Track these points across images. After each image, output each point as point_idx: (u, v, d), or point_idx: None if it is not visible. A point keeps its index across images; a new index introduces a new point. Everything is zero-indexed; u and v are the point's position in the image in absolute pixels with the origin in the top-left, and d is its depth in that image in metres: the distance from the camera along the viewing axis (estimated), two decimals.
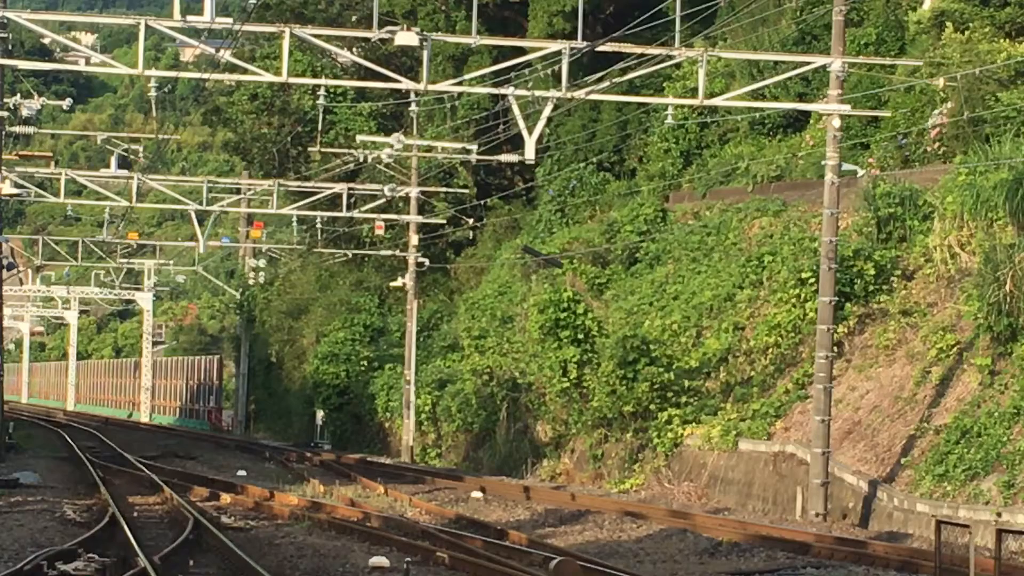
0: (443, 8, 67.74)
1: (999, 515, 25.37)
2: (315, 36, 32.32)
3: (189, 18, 28.89)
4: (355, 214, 55.06)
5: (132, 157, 64.94)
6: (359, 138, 53.93)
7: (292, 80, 34.68)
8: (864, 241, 37.35)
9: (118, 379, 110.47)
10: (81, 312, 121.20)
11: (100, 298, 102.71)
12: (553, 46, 32.20)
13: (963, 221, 34.01)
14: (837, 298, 31.89)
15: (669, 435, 38.00)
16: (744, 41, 50.28)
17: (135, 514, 29.29)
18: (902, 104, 40.63)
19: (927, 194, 36.80)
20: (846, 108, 31.70)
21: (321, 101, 49.64)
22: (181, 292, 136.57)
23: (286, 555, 23.42)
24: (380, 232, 56.66)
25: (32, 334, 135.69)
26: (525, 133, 32.81)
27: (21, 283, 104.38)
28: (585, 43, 31.44)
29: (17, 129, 45.35)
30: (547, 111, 32.60)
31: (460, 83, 41.09)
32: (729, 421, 36.47)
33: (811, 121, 46.00)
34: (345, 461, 47.85)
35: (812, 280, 35.76)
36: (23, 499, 31.38)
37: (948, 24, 39.92)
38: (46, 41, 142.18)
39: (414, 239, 53.86)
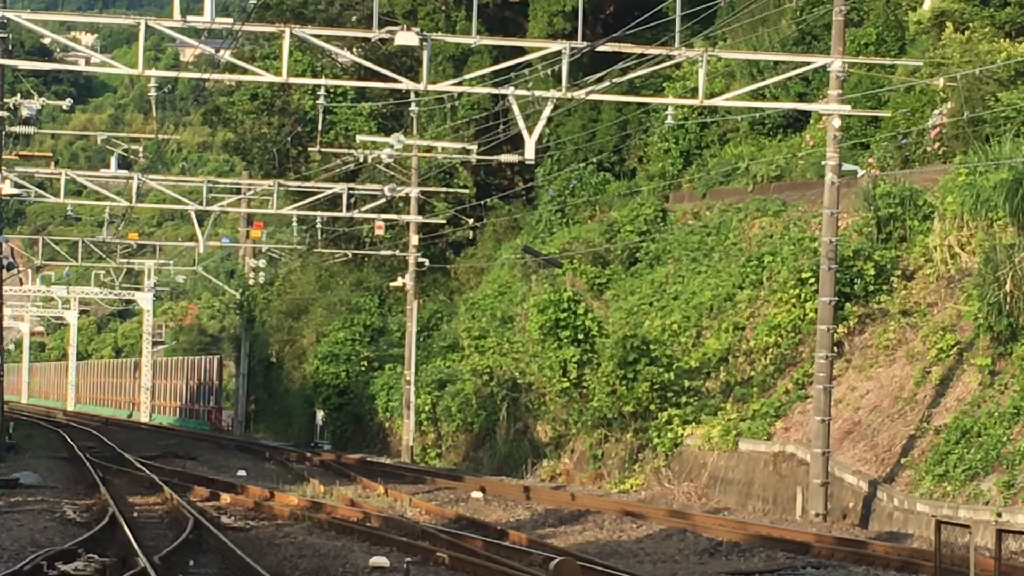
0: (443, 8, 67.74)
1: (999, 515, 25.38)
2: (315, 36, 32.32)
3: (189, 18, 28.89)
4: (355, 214, 55.05)
5: (132, 157, 64.99)
6: (359, 138, 53.93)
7: (292, 80, 34.68)
8: (864, 241, 37.35)
9: (118, 379, 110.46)
10: (81, 312, 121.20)
11: (100, 298, 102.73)
12: (553, 46, 32.20)
13: (963, 221, 34.01)
14: (837, 298, 31.89)
15: (669, 435, 38.00)
16: (744, 41, 50.28)
17: (135, 514, 29.29)
18: (902, 104, 40.63)
19: (927, 194, 36.80)
20: (846, 108, 31.69)
21: (321, 101, 49.59)
22: (181, 292, 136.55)
23: (286, 555, 23.42)
24: (380, 232, 56.65)
25: (32, 334, 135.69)
26: (525, 133, 32.81)
27: (21, 283, 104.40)
28: (585, 43, 31.44)
29: (17, 129, 45.35)
30: (547, 111, 32.59)
31: (460, 83, 41.09)
32: (729, 421, 36.47)
33: (811, 121, 46.00)
34: (345, 461, 47.85)
35: (812, 280, 35.76)
36: (23, 499, 31.39)
37: (948, 24, 39.92)
38: (46, 41, 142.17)
39: (414, 239, 53.85)
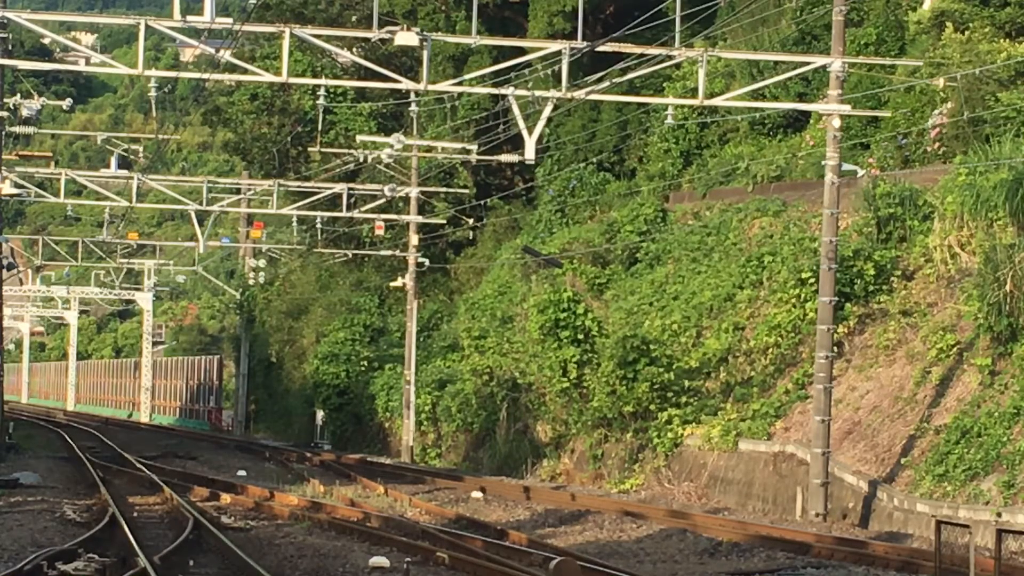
0: (443, 8, 67.73)
1: (999, 515, 25.39)
2: (315, 36, 32.32)
3: (189, 18, 28.89)
4: (355, 214, 55.05)
5: (132, 157, 64.97)
6: (359, 138, 53.92)
7: (292, 80, 34.67)
8: (864, 241, 37.35)
9: (118, 379, 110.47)
10: (81, 312, 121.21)
11: (100, 298, 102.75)
12: (553, 46, 32.20)
13: (963, 221, 34.01)
14: (837, 298, 31.88)
15: (669, 435, 38.00)
16: (744, 41, 50.28)
17: (135, 514, 29.29)
18: (902, 104, 40.63)
19: (927, 194, 36.80)
20: (846, 108, 31.69)
21: (321, 101, 49.62)
22: (181, 292, 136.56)
23: (286, 555, 23.42)
24: (380, 232, 56.65)
25: (32, 334, 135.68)
26: (525, 133, 32.80)
27: (21, 283, 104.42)
28: (585, 43, 31.44)
29: (17, 129, 45.35)
30: (547, 111, 32.59)
31: (460, 83, 41.09)
32: (729, 421, 36.47)
33: (811, 121, 46.00)
34: (345, 461, 47.85)
35: (812, 280, 35.76)
36: (23, 499, 31.38)
37: (948, 24, 39.92)
38: (46, 41, 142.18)
39: (414, 239, 53.85)
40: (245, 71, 34.90)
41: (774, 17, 50.72)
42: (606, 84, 34.68)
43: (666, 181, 51.46)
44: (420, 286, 56.70)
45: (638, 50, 33.70)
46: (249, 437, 70.55)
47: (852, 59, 34.53)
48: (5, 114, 43.30)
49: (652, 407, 38.56)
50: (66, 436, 58.48)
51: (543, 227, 56.04)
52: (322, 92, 50.37)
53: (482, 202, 61.98)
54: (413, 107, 51.23)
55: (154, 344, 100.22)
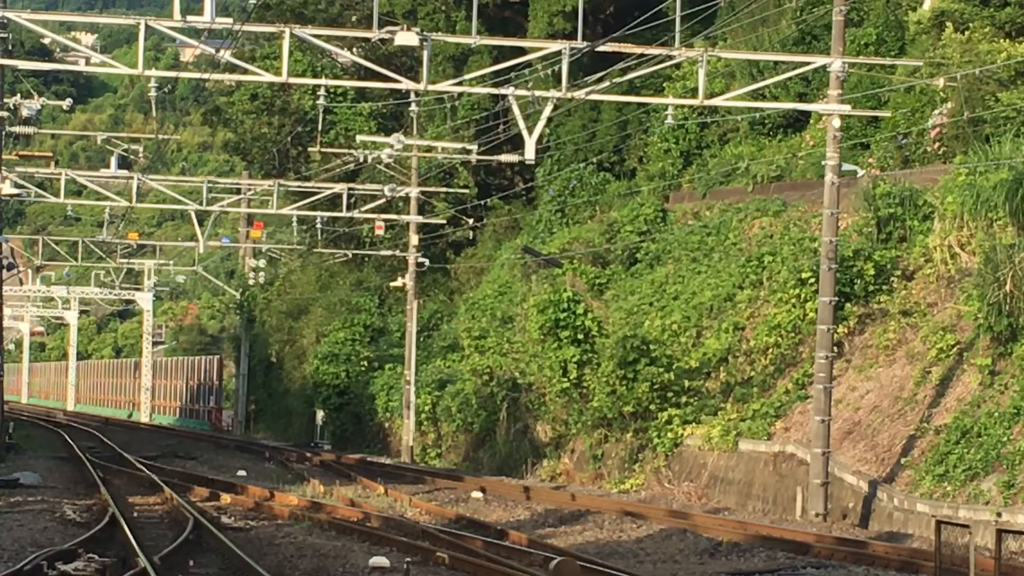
0: (443, 8, 67.74)
1: (999, 515, 25.39)
2: (315, 36, 32.32)
3: (189, 18, 28.90)
4: (355, 214, 55.05)
5: (132, 157, 64.95)
6: (359, 138, 53.90)
7: (292, 80, 34.68)
8: (864, 241, 37.35)
9: (118, 379, 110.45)
10: (81, 312, 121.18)
11: (100, 298, 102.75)
12: (553, 46, 32.21)
13: (963, 221, 34.02)
14: (837, 298, 31.88)
15: (669, 435, 38.00)
16: (744, 41, 50.28)
17: (135, 514, 29.28)
18: (902, 104, 40.63)
19: (927, 194, 36.81)
20: (846, 108, 31.69)
21: (321, 101, 49.57)
22: (181, 292, 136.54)
23: (286, 555, 23.41)
24: (380, 232, 56.65)
25: (32, 334, 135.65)
26: (525, 133, 32.81)
27: (21, 283, 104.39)
28: (585, 43, 31.44)
29: (17, 129, 45.36)
30: (547, 111, 32.60)
31: (460, 83, 41.12)
32: (729, 421, 36.47)
33: (811, 121, 46.01)
34: (345, 461, 47.84)
35: (812, 280, 35.77)
36: (23, 499, 31.38)
37: (948, 24, 39.92)
38: (46, 41, 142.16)
39: (414, 239, 53.86)
40: (245, 71, 34.90)
41: (774, 17, 50.72)
42: (606, 84, 34.68)
43: (666, 181, 51.47)
44: (420, 286, 56.70)
45: (638, 50, 33.70)
46: (249, 437, 70.55)
47: (852, 59, 34.53)
48: (5, 114, 43.29)
49: (652, 407, 38.56)
50: (66, 436, 58.45)
51: (543, 227, 56.05)
52: (322, 92, 50.30)
53: (482, 202, 61.99)
54: (413, 107, 51.23)
55: (154, 344, 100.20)
